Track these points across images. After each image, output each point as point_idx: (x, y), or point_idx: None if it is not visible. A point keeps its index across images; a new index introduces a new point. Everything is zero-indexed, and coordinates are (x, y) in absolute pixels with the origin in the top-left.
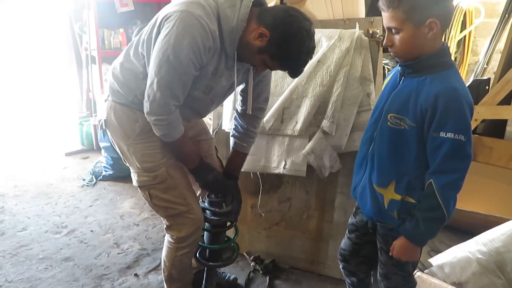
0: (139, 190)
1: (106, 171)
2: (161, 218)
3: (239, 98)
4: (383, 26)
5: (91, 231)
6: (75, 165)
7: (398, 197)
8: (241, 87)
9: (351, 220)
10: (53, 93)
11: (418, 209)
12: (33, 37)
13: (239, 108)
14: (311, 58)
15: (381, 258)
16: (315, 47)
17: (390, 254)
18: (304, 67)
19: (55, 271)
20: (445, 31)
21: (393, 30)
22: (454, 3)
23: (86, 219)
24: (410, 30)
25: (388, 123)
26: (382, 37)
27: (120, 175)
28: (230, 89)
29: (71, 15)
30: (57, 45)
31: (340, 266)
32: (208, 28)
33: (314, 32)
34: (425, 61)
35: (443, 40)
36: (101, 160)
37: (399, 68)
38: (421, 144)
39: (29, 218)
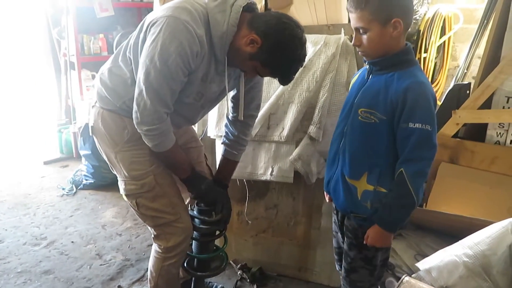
0: (126, 199)
1: (86, 179)
2: (149, 227)
3: (230, 104)
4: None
5: (72, 242)
6: (54, 174)
7: (370, 187)
8: (232, 93)
9: (333, 217)
10: (31, 100)
11: (390, 197)
12: (10, 42)
13: (230, 115)
14: (302, 66)
15: (349, 253)
16: (306, 55)
17: (364, 242)
18: (295, 74)
19: (34, 285)
20: (407, 30)
21: (361, 30)
22: (434, 10)
23: (66, 230)
24: (377, 29)
25: (359, 117)
26: (349, 39)
27: (101, 184)
28: (221, 94)
29: (49, 20)
30: (35, 51)
31: (338, 268)
32: (195, 33)
33: (305, 40)
34: (391, 59)
35: (425, 45)
36: (82, 169)
37: (367, 66)
38: (391, 135)
39: (6, 230)
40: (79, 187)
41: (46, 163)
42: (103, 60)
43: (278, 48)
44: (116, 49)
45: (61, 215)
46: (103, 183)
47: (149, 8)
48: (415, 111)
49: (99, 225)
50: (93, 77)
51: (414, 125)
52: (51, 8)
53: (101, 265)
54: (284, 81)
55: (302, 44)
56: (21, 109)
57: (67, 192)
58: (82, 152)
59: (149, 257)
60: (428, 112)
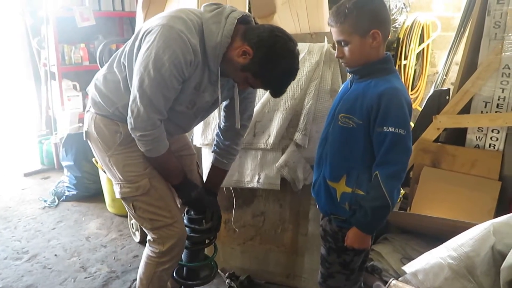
0: (123, 202)
1: (69, 191)
2: (146, 231)
3: (223, 114)
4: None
5: (55, 255)
6: (35, 186)
7: (348, 190)
8: (225, 103)
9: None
10: (10, 110)
11: (366, 200)
12: None
13: (221, 125)
14: (294, 79)
15: (328, 258)
16: (298, 68)
17: (345, 244)
18: (286, 87)
19: None
20: (386, 39)
21: (343, 43)
22: (412, 19)
23: (49, 243)
24: (357, 41)
25: (339, 122)
26: (332, 47)
27: (84, 195)
28: (215, 104)
29: (28, 30)
30: (14, 61)
31: None
32: (189, 42)
33: (298, 53)
34: (370, 67)
35: (405, 52)
36: (64, 180)
37: (351, 76)
38: (367, 139)
39: None
40: (62, 199)
41: (26, 175)
42: (85, 70)
43: (269, 60)
44: (99, 58)
45: (43, 228)
46: (86, 194)
47: (131, 17)
48: (388, 115)
49: (83, 237)
50: (74, 87)
51: (388, 129)
52: (30, 18)
53: (86, 278)
54: (276, 93)
55: (294, 57)
56: (0, 120)
57: (49, 204)
58: (64, 163)
59: (135, 268)
60: (401, 117)
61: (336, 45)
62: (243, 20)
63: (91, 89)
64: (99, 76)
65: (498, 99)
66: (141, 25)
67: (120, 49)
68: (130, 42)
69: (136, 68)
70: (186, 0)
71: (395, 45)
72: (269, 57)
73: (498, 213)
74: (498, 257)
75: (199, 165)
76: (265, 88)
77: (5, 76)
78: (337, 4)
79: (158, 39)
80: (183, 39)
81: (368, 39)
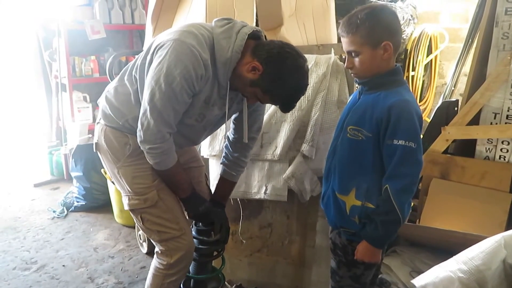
0: (131, 214)
1: (78, 201)
2: (154, 242)
3: (231, 126)
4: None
5: (63, 266)
6: (45, 197)
7: (358, 203)
8: (234, 115)
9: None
10: (21, 122)
11: (376, 214)
12: (1, 65)
13: (231, 137)
14: (303, 94)
15: (338, 272)
16: (308, 84)
17: (355, 258)
18: (295, 103)
19: None
20: (397, 51)
21: (353, 54)
22: (420, 30)
23: (57, 253)
24: (368, 52)
25: (348, 134)
26: (339, 59)
27: (93, 206)
28: (223, 117)
29: (40, 43)
30: (26, 73)
31: None
32: (200, 57)
33: (307, 69)
34: (380, 79)
35: (413, 64)
36: (73, 191)
37: (359, 87)
38: (377, 152)
39: None
40: (70, 210)
41: (36, 185)
42: (95, 81)
43: (279, 76)
44: (108, 70)
45: (51, 238)
46: (95, 205)
47: (141, 30)
48: (399, 128)
49: (91, 248)
50: (85, 98)
51: (398, 142)
52: (42, 31)
53: None
54: (285, 109)
55: (303, 73)
56: (11, 131)
57: (58, 215)
58: (73, 174)
59: (142, 279)
60: (412, 129)
61: (346, 56)
62: (254, 36)
63: (101, 101)
64: (110, 88)
65: (508, 110)
66: (150, 38)
67: (132, 62)
68: (142, 55)
69: (147, 81)
70: (195, 13)
71: (402, 56)
72: (278, 73)
73: (509, 226)
74: (509, 271)
75: (207, 177)
76: (274, 103)
77: (17, 88)
78: (348, 14)
79: (170, 54)
80: (194, 53)
81: (380, 50)
